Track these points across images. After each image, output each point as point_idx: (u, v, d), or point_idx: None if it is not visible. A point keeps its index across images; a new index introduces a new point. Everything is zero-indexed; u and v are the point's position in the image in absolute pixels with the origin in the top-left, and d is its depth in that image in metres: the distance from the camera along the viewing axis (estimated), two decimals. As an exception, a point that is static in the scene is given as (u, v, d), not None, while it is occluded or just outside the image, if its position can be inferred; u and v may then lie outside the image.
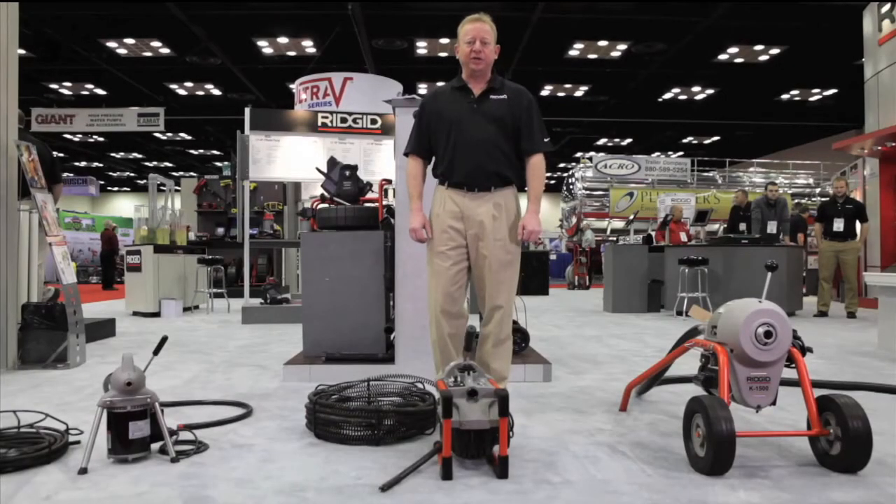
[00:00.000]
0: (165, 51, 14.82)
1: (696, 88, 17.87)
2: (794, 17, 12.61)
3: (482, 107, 3.13)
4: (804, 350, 2.58)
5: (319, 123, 8.60)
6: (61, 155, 25.76)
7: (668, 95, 18.51)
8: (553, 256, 21.31)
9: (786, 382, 2.66)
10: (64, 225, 21.17)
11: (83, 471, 2.35)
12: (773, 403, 2.53)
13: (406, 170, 3.28)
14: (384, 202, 4.81)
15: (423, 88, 17.39)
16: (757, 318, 2.45)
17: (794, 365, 2.52)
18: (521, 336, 4.62)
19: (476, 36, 3.08)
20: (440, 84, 3.39)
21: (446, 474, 2.29)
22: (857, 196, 11.34)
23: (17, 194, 4.77)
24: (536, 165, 3.16)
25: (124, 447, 2.46)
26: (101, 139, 24.00)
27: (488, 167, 3.09)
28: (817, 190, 21.31)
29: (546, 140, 3.18)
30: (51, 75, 16.62)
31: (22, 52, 12.08)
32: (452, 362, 2.85)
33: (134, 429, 2.46)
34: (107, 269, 17.64)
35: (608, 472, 2.40)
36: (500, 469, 2.31)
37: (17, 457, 2.42)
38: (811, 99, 18.82)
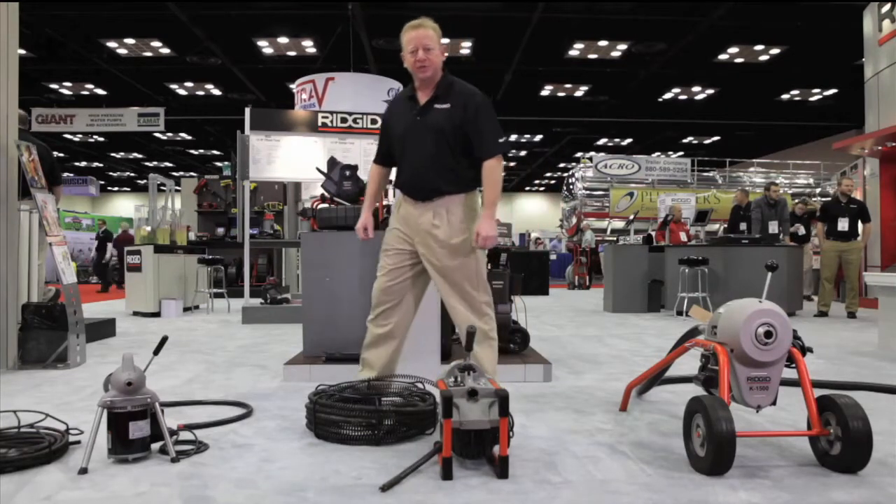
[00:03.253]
0: (166, 51, 14.83)
1: (696, 88, 17.89)
2: (795, 17, 12.62)
3: (425, 118, 3.12)
4: (804, 350, 2.57)
5: (319, 123, 8.60)
6: (61, 155, 25.78)
7: (668, 95, 18.52)
8: (553, 256, 21.31)
9: (786, 382, 2.66)
10: (64, 225, 21.18)
11: (83, 471, 2.35)
12: (774, 403, 2.52)
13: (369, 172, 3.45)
14: (384, 202, 4.81)
15: (423, 88, 17.37)
16: (757, 318, 2.45)
17: (794, 365, 2.52)
18: (520, 336, 4.63)
19: (418, 44, 3.05)
20: (401, 90, 3.39)
21: (446, 474, 2.29)
22: (857, 196, 11.34)
23: (17, 194, 4.77)
24: (489, 170, 3.10)
25: (124, 447, 2.46)
26: (102, 139, 24.03)
27: (428, 182, 3.12)
28: (817, 190, 21.32)
29: (500, 141, 3.12)
30: (51, 75, 16.64)
31: (22, 52, 12.09)
32: (371, 372, 3.15)
33: (134, 429, 2.46)
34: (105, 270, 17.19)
35: (608, 472, 2.40)
36: (501, 469, 2.31)
37: (17, 457, 2.41)
38: (811, 99, 18.83)
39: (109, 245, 16.45)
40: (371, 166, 3.43)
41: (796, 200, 17.51)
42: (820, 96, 18.55)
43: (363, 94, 11.54)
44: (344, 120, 8.68)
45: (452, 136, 3.09)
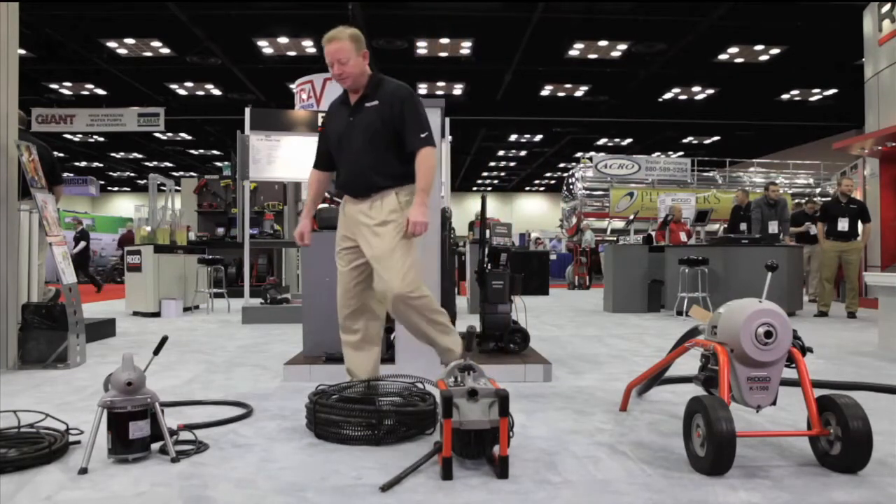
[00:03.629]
0: (166, 51, 14.83)
1: (696, 88, 17.88)
2: (795, 17, 12.62)
3: (357, 119, 3.24)
4: (804, 350, 2.57)
5: (319, 123, 8.58)
6: (61, 155, 25.78)
7: (668, 95, 18.52)
8: (553, 256, 21.31)
9: (786, 382, 2.66)
10: (64, 225, 21.18)
11: (83, 471, 2.35)
12: (774, 403, 2.52)
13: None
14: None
15: (422, 88, 17.40)
16: (757, 318, 2.45)
17: (794, 365, 2.52)
18: (521, 336, 4.63)
19: (332, 59, 3.17)
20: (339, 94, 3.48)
21: (446, 474, 2.29)
22: (857, 196, 11.34)
23: (17, 194, 4.77)
24: (420, 161, 3.17)
25: (125, 447, 2.46)
26: (102, 139, 24.02)
27: (364, 179, 3.22)
28: (818, 190, 21.32)
29: (423, 136, 3.18)
30: (51, 75, 16.63)
31: (22, 52, 12.09)
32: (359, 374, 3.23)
33: (134, 429, 2.46)
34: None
35: (608, 472, 2.40)
36: (501, 469, 2.31)
37: (17, 457, 2.41)
38: (811, 99, 18.83)
39: (82, 244, 16.27)
40: (310, 172, 3.54)
41: (800, 200, 17.53)
42: (820, 96, 18.55)
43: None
44: (344, 120, 8.66)
45: (384, 132, 3.19)
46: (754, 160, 24.47)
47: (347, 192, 3.32)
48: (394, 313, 3.23)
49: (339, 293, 3.36)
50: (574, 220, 20.70)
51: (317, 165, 3.50)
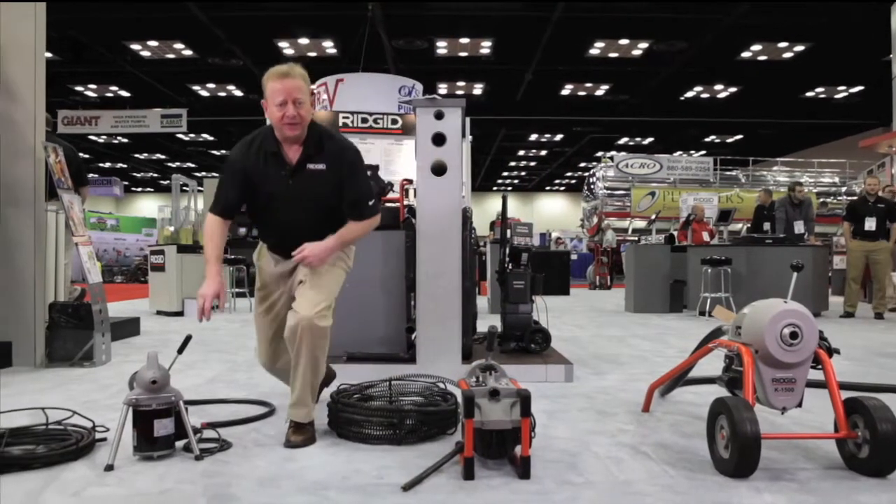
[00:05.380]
0: (188, 52, 14.99)
1: (718, 87, 17.71)
2: (820, 14, 12.45)
3: (298, 183, 2.80)
4: (831, 351, 2.54)
5: (340, 124, 8.63)
6: (86, 156, 26.16)
7: (689, 94, 18.35)
8: (574, 256, 21.22)
9: (812, 384, 2.62)
10: (89, 225, 21.47)
11: (109, 468, 2.38)
12: (799, 405, 2.49)
13: (206, 225, 2.99)
14: (405, 202, 4.82)
15: (443, 88, 17.41)
16: (782, 318, 2.42)
17: (820, 366, 2.49)
18: (542, 336, 4.61)
19: (287, 97, 2.71)
20: (251, 137, 2.93)
21: (468, 474, 2.29)
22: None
23: (45, 195, 4.84)
24: (361, 223, 2.90)
25: (149, 445, 2.49)
26: (126, 140, 24.37)
27: (301, 244, 2.80)
28: (843, 189, 20.99)
29: (371, 203, 2.90)
30: (76, 77, 16.90)
31: (48, 54, 12.26)
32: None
33: (159, 427, 2.48)
34: None
35: (630, 473, 2.38)
36: (522, 469, 2.31)
37: (45, 453, 2.45)
38: (837, 96, 18.56)
39: None
40: (208, 218, 2.96)
41: (825, 199, 17.24)
42: (846, 93, 18.27)
43: (373, 93, 11.51)
44: (364, 120, 8.71)
45: (330, 200, 2.84)
46: (778, 159, 24.15)
47: (278, 253, 2.97)
48: (289, 338, 2.75)
49: (263, 346, 3.07)
50: (595, 219, 20.58)
51: (218, 212, 2.89)
